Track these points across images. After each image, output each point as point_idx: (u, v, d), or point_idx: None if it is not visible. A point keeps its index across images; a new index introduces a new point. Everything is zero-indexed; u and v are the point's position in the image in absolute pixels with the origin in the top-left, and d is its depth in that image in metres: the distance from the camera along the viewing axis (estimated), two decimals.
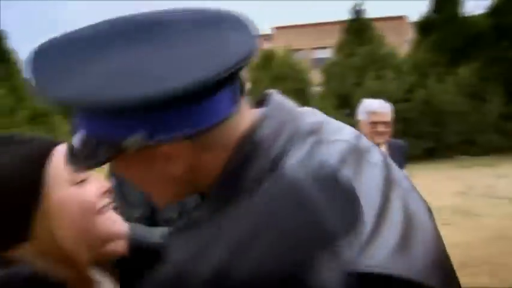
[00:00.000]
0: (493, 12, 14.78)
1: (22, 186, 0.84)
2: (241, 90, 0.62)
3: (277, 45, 15.27)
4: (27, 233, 0.83)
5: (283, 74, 12.85)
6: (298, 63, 14.11)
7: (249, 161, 0.60)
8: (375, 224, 0.55)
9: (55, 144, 0.91)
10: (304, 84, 13.37)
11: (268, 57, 13.47)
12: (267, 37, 35.73)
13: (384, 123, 2.86)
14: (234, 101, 0.60)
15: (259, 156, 0.60)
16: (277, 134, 0.62)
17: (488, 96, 13.24)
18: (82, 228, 0.88)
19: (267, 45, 16.23)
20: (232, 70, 0.56)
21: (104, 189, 0.92)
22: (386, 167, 0.66)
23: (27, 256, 0.83)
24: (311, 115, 0.70)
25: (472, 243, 5.56)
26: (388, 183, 0.62)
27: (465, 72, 13.39)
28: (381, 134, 2.80)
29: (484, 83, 13.32)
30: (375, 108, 2.89)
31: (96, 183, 0.92)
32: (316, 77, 15.34)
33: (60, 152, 0.89)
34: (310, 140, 0.63)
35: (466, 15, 14.91)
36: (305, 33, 34.49)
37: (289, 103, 0.69)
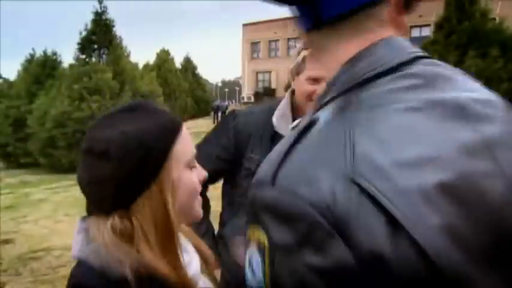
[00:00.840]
0: None
1: (154, 153, 0.92)
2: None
3: None
4: (143, 193, 0.91)
5: None
6: None
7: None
8: None
9: (180, 121, 1.01)
10: None
11: None
12: None
13: None
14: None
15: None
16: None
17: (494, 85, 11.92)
18: (184, 207, 0.98)
19: None
20: None
21: (203, 177, 1.04)
22: None
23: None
24: None
25: None
26: None
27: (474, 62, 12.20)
28: None
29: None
30: None
31: (199, 170, 1.04)
32: None
33: (185, 132, 0.99)
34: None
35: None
36: None
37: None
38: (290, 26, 38.97)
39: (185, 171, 0.97)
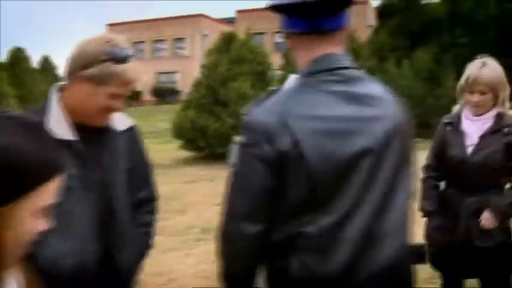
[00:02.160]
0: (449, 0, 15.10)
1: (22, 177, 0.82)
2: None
3: (240, 29, 15.05)
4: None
5: (242, 57, 12.70)
6: (258, 47, 13.97)
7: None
8: None
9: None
10: (264, 68, 13.25)
11: (228, 40, 13.29)
12: (231, 21, 35.44)
13: None
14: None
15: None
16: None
17: (443, 80, 13.49)
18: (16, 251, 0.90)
19: (230, 29, 16.01)
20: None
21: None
22: None
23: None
24: None
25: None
26: None
27: (422, 57, 13.58)
28: None
29: (439, 68, 13.57)
30: None
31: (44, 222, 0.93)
32: (278, 60, 15.27)
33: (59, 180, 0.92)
34: None
35: (424, 2, 15.17)
36: (268, 17, 34.35)
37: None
38: (156, 28, 38.38)
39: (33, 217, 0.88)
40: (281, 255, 1.34)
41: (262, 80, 12.89)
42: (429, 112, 13.63)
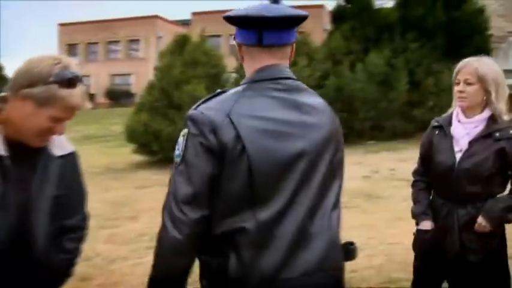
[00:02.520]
0: (401, 5, 15.43)
1: None
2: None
3: (196, 31, 14.88)
4: None
5: (196, 60, 12.57)
6: (212, 49, 13.86)
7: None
8: None
9: None
10: (218, 70, 13.16)
11: (182, 43, 13.12)
12: (186, 23, 35.13)
13: None
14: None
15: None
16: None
17: (395, 84, 13.78)
18: None
19: (185, 31, 15.81)
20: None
21: None
22: None
23: None
24: None
25: (373, 225, 5.72)
26: None
27: (375, 60, 13.82)
28: None
29: (391, 72, 13.85)
30: None
31: None
32: (233, 63, 15.19)
33: None
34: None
35: (377, 7, 15.46)
36: (223, 20, 34.24)
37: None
38: (110, 29, 37.58)
39: None
40: (219, 252, 1.42)
41: (216, 82, 12.75)
42: (382, 115, 13.91)
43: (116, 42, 38.52)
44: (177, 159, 1.42)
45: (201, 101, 1.48)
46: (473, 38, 15.21)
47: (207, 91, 12.16)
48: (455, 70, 2.45)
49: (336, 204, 1.53)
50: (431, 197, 2.61)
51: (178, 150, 1.43)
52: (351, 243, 1.59)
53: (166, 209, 1.41)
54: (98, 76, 37.64)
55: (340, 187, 1.56)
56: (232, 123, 1.38)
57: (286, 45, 1.54)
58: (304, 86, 1.57)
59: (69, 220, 1.82)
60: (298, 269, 1.41)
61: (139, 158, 12.68)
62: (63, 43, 39.41)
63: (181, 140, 1.43)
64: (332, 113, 1.60)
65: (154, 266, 1.46)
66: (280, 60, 1.53)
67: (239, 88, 1.51)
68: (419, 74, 14.45)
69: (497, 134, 2.35)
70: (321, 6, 31.97)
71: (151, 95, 12.44)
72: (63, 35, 39.65)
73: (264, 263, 1.38)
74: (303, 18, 1.52)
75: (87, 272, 4.32)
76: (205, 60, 12.77)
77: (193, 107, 1.47)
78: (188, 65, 12.39)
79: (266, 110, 1.44)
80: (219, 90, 1.55)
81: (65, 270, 1.85)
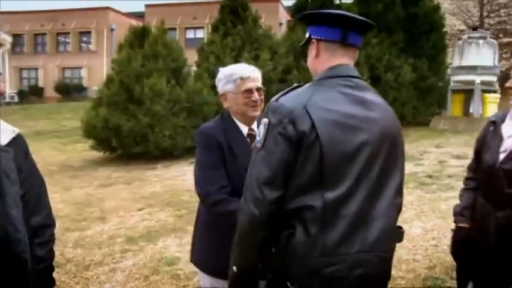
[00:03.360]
0: (361, 1, 15.55)
1: None
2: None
3: (151, 24, 14.37)
4: None
5: (156, 53, 12.14)
6: (173, 42, 13.46)
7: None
8: None
9: None
10: (179, 64, 12.79)
11: (141, 35, 12.66)
12: (140, 15, 34.28)
13: (258, 90, 2.35)
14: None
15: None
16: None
17: None
18: None
19: (139, 23, 15.25)
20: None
21: None
22: None
23: None
24: None
25: None
26: None
27: None
28: (256, 104, 2.32)
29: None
30: (245, 72, 2.35)
31: None
32: (190, 56, 14.86)
33: None
34: None
35: (338, 2, 15.49)
36: (178, 12, 33.72)
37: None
38: (60, 20, 36.12)
39: None
40: (289, 225, 1.61)
41: (177, 76, 12.42)
42: None
43: (66, 34, 37.02)
44: (258, 145, 1.66)
45: (280, 94, 1.69)
46: (430, 34, 15.55)
47: (168, 85, 11.84)
48: None
49: (398, 194, 1.72)
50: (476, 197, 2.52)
51: (258, 137, 1.67)
52: (400, 227, 1.77)
53: (248, 188, 1.64)
54: (47, 69, 36.17)
55: (400, 178, 1.73)
56: (309, 113, 1.57)
57: (358, 47, 1.78)
58: (368, 85, 1.79)
59: (35, 218, 1.71)
60: (354, 246, 1.59)
61: (97, 154, 12.17)
62: (7, 33, 37.43)
63: (262, 128, 1.65)
64: (392, 111, 1.80)
65: (237, 236, 1.70)
66: (352, 60, 1.76)
67: (314, 82, 1.74)
68: (379, 68, 14.61)
69: None
70: (277, 1, 31.94)
71: (109, 89, 11.91)
72: (4, 24, 37.68)
73: (326, 237, 1.56)
74: (373, 27, 1.78)
75: (60, 280, 4.01)
76: (166, 53, 12.37)
77: (274, 98, 1.68)
78: (149, 57, 11.96)
79: (337, 104, 1.63)
80: (296, 84, 1.76)
81: (46, 278, 1.79)
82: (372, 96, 1.74)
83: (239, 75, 2.34)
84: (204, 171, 2.31)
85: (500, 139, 2.33)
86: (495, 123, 2.41)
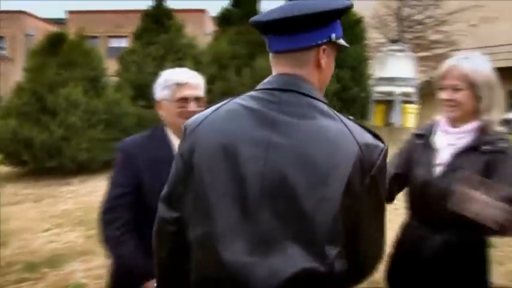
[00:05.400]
0: None
1: None
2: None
3: (72, 31, 13.63)
4: None
5: (73, 61, 11.47)
6: (91, 50, 12.80)
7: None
8: None
9: None
10: (97, 73, 12.16)
11: (56, 42, 11.91)
12: (60, 22, 32.79)
13: (197, 99, 2.09)
14: None
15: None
16: None
17: None
18: None
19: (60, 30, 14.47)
20: None
21: None
22: None
23: None
24: None
25: None
26: None
27: (262, 65, 13.75)
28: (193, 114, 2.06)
29: None
30: (182, 78, 2.09)
31: None
32: (112, 66, 14.25)
33: None
34: None
35: (264, 11, 15.47)
36: (101, 20, 32.61)
37: None
38: None
39: None
40: (188, 256, 1.35)
41: (95, 86, 11.79)
42: None
43: None
44: None
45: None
46: (353, 46, 15.90)
47: (85, 95, 11.18)
48: (440, 73, 2.10)
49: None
50: (405, 220, 2.26)
51: None
52: None
53: None
54: None
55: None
56: (195, 133, 1.34)
57: (301, 50, 1.31)
58: (320, 107, 1.28)
59: None
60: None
61: (5, 169, 11.25)
62: None
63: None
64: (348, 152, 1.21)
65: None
66: (293, 68, 1.33)
67: (241, 96, 1.40)
68: None
69: (485, 147, 1.99)
70: (203, 11, 31.71)
71: (20, 99, 11.06)
72: None
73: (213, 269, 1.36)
74: (316, 16, 1.24)
75: None
76: (84, 62, 11.72)
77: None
78: (64, 66, 11.26)
79: (230, 123, 1.30)
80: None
81: None
82: (299, 117, 1.25)
83: (175, 81, 2.08)
84: (110, 192, 2.13)
85: (433, 152, 2.12)
86: (424, 136, 2.20)
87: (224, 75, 13.54)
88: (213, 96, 13.20)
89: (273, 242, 1.17)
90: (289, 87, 1.30)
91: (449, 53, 19.30)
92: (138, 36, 14.26)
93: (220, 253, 1.20)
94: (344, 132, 1.22)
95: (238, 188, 1.22)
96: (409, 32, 21.92)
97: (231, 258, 1.19)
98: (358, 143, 1.21)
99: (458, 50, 20.28)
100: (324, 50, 1.33)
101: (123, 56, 14.19)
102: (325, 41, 1.32)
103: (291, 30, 1.29)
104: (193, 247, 1.31)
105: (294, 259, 1.16)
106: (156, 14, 14.11)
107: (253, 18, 1.34)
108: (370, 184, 1.22)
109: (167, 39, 13.72)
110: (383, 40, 21.38)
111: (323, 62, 1.34)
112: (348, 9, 1.31)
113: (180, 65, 11.05)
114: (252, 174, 1.21)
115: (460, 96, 2.03)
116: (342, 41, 1.40)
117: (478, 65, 2.04)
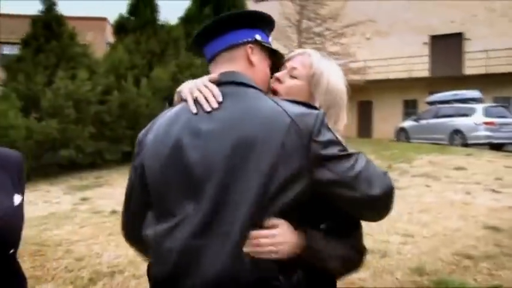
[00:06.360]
0: (185, 22, 15.46)
1: None
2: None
3: None
4: None
5: None
6: None
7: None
8: None
9: None
10: None
11: None
12: None
13: None
14: None
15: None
16: None
17: None
18: None
19: None
20: None
21: None
22: None
23: None
24: None
25: None
26: None
27: (160, 76, 13.51)
28: None
29: (177, 87, 13.70)
30: None
31: None
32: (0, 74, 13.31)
33: None
34: None
35: (161, 22, 15.16)
36: None
37: None
38: None
39: None
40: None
41: None
42: None
43: None
44: None
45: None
46: None
47: None
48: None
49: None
50: None
51: None
52: None
53: None
54: None
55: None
56: (143, 144, 1.44)
57: (231, 47, 1.48)
58: (253, 93, 1.39)
59: None
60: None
61: None
62: None
63: None
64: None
65: None
66: (228, 65, 1.47)
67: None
68: None
69: None
70: (104, 19, 30.69)
71: None
72: None
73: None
74: (238, 16, 1.48)
75: None
76: None
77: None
78: None
79: (170, 122, 1.41)
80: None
81: None
82: (234, 102, 1.35)
83: None
84: None
85: None
86: None
87: (122, 86, 13.10)
88: (110, 106, 12.73)
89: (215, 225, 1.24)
90: (226, 79, 1.42)
91: (347, 64, 20.22)
92: (26, 43, 13.41)
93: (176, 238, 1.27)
94: (274, 109, 1.30)
95: (187, 179, 1.28)
96: (309, 44, 22.68)
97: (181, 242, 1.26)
98: (289, 115, 1.28)
99: (356, 61, 21.33)
100: (251, 49, 1.48)
101: (10, 64, 13.28)
102: (250, 39, 1.48)
103: (218, 31, 1.46)
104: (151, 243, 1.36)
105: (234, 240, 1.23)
106: (46, 19, 13.36)
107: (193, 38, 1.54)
108: (319, 150, 1.27)
109: (59, 47, 13.04)
110: (285, 51, 21.93)
111: (254, 59, 1.47)
112: (263, 17, 1.52)
113: (74, 75, 10.46)
114: (195, 163, 1.28)
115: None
116: (269, 45, 1.53)
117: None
